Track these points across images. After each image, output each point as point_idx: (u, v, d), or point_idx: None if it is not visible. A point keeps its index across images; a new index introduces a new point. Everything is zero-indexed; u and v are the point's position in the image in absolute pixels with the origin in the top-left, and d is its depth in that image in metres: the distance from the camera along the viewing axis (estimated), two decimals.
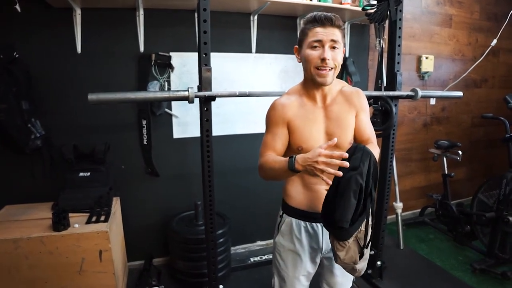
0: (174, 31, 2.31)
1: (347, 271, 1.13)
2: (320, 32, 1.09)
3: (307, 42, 1.12)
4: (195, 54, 1.60)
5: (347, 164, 0.91)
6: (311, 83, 1.18)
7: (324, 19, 1.09)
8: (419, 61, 3.15)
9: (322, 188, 1.23)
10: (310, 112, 1.20)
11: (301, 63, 1.20)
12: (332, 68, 1.12)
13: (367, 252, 1.09)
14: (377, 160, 1.06)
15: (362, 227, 1.04)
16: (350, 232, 1.01)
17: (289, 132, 1.20)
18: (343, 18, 2.16)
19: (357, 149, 1.01)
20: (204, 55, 1.54)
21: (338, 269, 1.32)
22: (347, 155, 0.93)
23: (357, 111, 1.23)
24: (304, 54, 1.14)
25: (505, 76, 3.71)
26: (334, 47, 1.10)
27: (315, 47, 1.10)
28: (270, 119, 1.22)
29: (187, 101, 1.51)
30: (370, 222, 1.05)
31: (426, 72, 3.17)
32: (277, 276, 1.36)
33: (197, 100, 1.55)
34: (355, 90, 1.26)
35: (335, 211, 0.96)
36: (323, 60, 1.09)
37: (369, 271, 2.24)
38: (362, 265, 1.10)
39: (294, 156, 1.02)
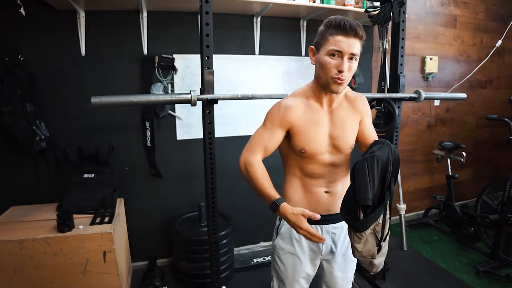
0: (177, 33, 2.32)
1: (364, 266, 1.12)
2: (342, 42, 1.05)
3: (327, 49, 1.08)
4: (198, 56, 1.60)
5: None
6: (321, 88, 1.17)
7: (349, 28, 1.04)
8: (423, 62, 3.14)
9: (321, 191, 1.23)
10: (316, 115, 1.19)
11: (309, 64, 1.20)
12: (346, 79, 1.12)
13: (385, 247, 1.09)
14: None
15: (380, 220, 1.03)
16: (367, 223, 1.01)
17: (292, 134, 1.19)
18: None
19: (378, 142, 1.04)
20: (206, 58, 1.53)
21: (338, 271, 1.32)
22: (319, 216, 1.03)
23: (362, 117, 1.25)
24: (321, 60, 1.11)
25: (510, 77, 3.68)
26: (352, 59, 1.09)
27: (334, 55, 1.08)
28: (272, 117, 1.20)
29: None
30: (388, 216, 1.05)
31: (430, 73, 3.15)
32: (276, 279, 1.36)
33: (199, 102, 1.55)
34: (359, 96, 1.27)
35: (354, 194, 0.98)
36: (340, 72, 1.08)
37: (372, 272, 2.23)
38: (379, 260, 1.09)
39: (278, 202, 1.08)
